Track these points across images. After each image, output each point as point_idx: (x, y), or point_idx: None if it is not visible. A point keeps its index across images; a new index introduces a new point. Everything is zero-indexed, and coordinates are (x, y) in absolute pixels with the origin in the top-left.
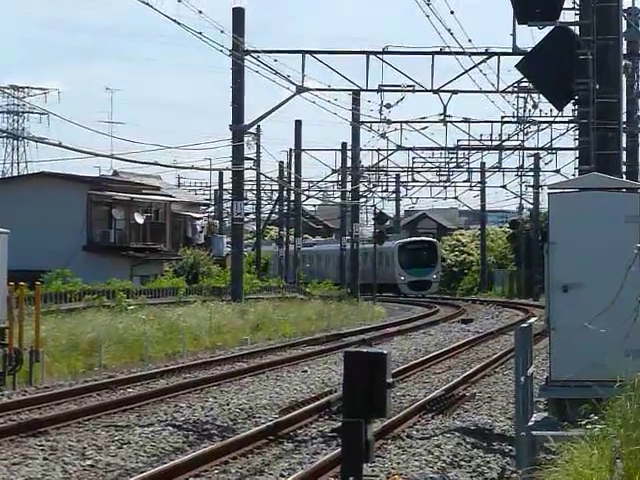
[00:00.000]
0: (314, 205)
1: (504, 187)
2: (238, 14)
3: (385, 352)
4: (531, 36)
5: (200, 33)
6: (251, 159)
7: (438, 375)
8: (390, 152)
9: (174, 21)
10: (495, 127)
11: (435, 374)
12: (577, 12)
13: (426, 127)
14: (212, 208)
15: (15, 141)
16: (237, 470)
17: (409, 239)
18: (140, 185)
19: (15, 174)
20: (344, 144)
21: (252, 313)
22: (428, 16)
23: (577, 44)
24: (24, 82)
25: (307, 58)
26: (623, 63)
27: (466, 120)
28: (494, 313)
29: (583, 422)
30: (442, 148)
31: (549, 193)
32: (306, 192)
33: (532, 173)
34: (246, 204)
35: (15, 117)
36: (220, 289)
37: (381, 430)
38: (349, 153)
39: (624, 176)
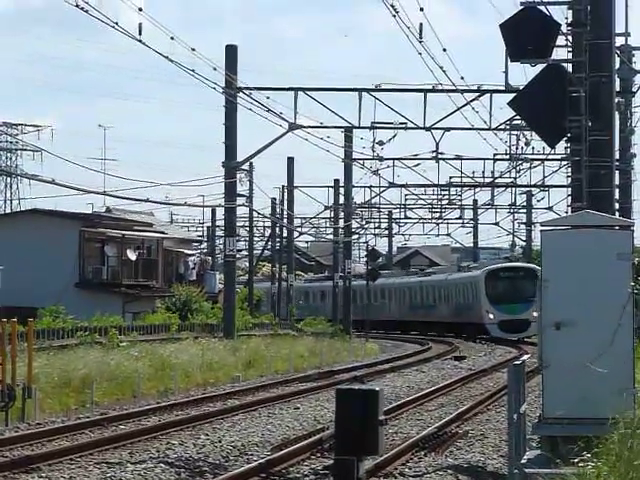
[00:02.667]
0: (306, 242)
1: (496, 224)
2: (231, 51)
3: (377, 389)
4: (523, 73)
5: (193, 70)
6: (244, 196)
7: (431, 412)
8: (382, 189)
9: (167, 58)
10: (487, 164)
11: (428, 411)
12: (569, 49)
13: (418, 164)
14: (205, 245)
15: (8, 178)
16: None
17: (501, 265)
18: (133, 222)
19: (8, 211)
20: (336, 181)
21: (244, 350)
22: (420, 53)
23: (569, 81)
24: (17, 119)
25: (299, 95)
26: (616, 100)
27: (458, 157)
28: (487, 350)
29: (576, 460)
30: (434, 185)
31: (541, 230)
32: (298, 229)
33: (524, 210)
34: (238, 241)
35: (8, 154)
36: (212, 326)
37: (373, 468)
38: (341, 190)
39: (617, 213)
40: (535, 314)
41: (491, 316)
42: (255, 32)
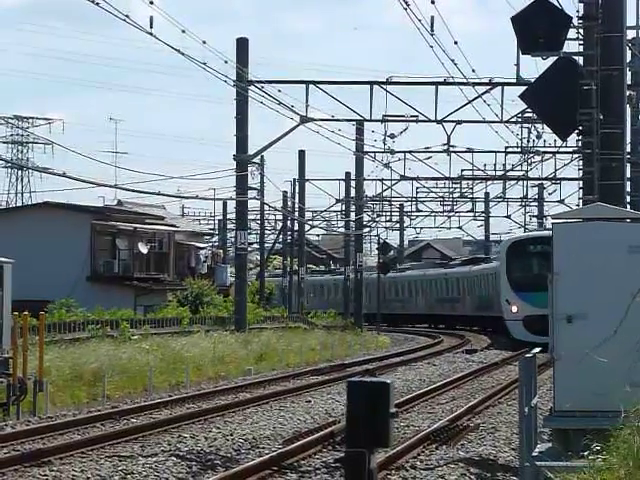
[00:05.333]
0: (318, 235)
1: (508, 217)
2: (242, 44)
3: (388, 382)
4: (535, 66)
5: (204, 64)
6: (255, 189)
7: (442, 405)
8: (394, 182)
9: (178, 51)
10: (499, 157)
11: (439, 404)
12: (581, 42)
13: (430, 157)
14: (216, 238)
15: (19, 171)
16: None
17: (531, 234)
18: (144, 215)
19: (19, 204)
20: (348, 174)
21: (256, 343)
22: (432, 46)
23: (581, 74)
24: (28, 113)
25: (311, 88)
26: (627, 93)
27: (470, 150)
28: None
29: (587, 452)
30: (446, 178)
31: (553, 223)
32: (310, 222)
33: (536, 203)
34: (250, 234)
35: (19, 147)
36: (223, 319)
37: (385, 460)
38: (353, 183)
39: (628, 206)
40: None
41: (514, 308)
42: (266, 25)
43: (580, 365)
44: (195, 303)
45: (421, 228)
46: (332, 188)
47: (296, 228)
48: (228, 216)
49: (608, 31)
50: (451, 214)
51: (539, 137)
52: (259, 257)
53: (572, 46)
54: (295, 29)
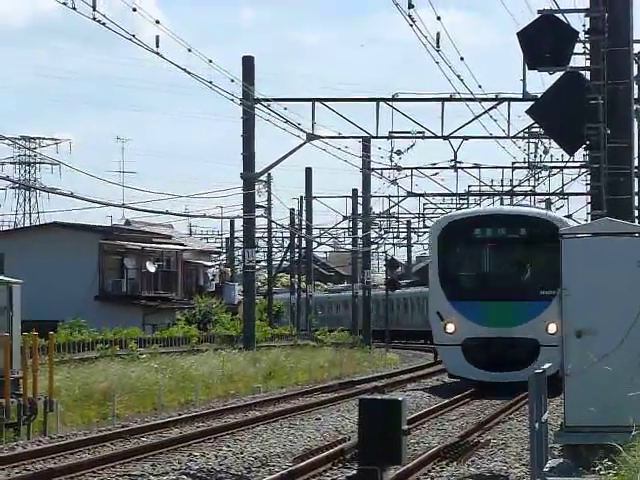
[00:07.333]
0: (325, 252)
1: None
2: (248, 62)
3: (400, 399)
4: (541, 81)
5: (210, 82)
6: (262, 207)
7: (452, 422)
8: (401, 198)
9: (184, 70)
10: (506, 173)
11: (449, 421)
12: (587, 57)
13: (437, 173)
14: (223, 256)
15: (27, 192)
16: None
17: (475, 211)
18: (152, 234)
19: (27, 224)
20: (355, 191)
21: (264, 361)
22: (437, 62)
23: (588, 89)
24: (35, 133)
25: (317, 106)
26: (634, 107)
27: (477, 166)
28: None
29: (598, 468)
30: (453, 194)
31: (562, 238)
32: (317, 239)
33: None
34: (257, 252)
35: (27, 168)
36: (232, 337)
37: (395, 477)
38: (360, 200)
39: (636, 221)
40: (552, 326)
41: (449, 327)
42: (272, 41)
43: (590, 380)
44: (203, 321)
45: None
46: (339, 205)
47: (303, 245)
48: (235, 234)
49: (614, 45)
50: None
51: (546, 152)
52: (267, 275)
53: (579, 60)
54: (301, 46)
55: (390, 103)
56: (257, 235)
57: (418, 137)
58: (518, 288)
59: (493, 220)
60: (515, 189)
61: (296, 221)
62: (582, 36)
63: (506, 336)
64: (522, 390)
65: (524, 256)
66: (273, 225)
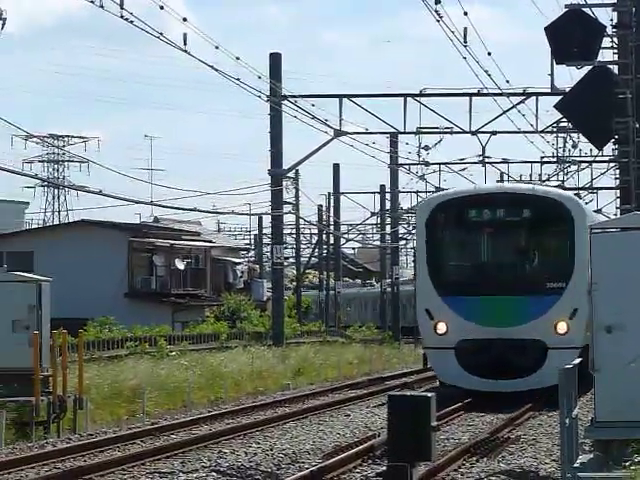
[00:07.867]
0: (353, 248)
1: None
2: (275, 59)
3: (430, 395)
4: (569, 76)
5: (238, 79)
6: (290, 203)
7: (482, 418)
8: (429, 194)
9: (212, 68)
10: (535, 167)
11: (479, 417)
12: (615, 51)
13: (465, 168)
14: (252, 253)
15: (55, 190)
16: None
17: (467, 190)
18: (180, 231)
19: (56, 222)
20: (383, 187)
21: (293, 358)
22: (465, 58)
23: (616, 83)
24: (64, 131)
25: (344, 102)
26: None
27: (505, 161)
28: None
29: (628, 463)
30: None
31: (591, 233)
32: (345, 235)
33: None
34: (286, 248)
35: (55, 166)
36: (261, 334)
37: (425, 473)
38: (388, 196)
39: None
40: (562, 325)
41: (440, 327)
42: (299, 38)
43: (620, 375)
44: (232, 318)
45: None
46: (367, 201)
47: (331, 242)
48: (264, 231)
49: None
50: None
51: (575, 146)
52: (295, 271)
53: (607, 55)
54: (328, 42)
55: (417, 99)
56: (285, 232)
57: (446, 132)
58: (522, 281)
59: (491, 200)
60: (544, 184)
61: (324, 217)
62: (610, 30)
63: (508, 337)
64: (528, 400)
65: (529, 242)
66: (301, 222)
